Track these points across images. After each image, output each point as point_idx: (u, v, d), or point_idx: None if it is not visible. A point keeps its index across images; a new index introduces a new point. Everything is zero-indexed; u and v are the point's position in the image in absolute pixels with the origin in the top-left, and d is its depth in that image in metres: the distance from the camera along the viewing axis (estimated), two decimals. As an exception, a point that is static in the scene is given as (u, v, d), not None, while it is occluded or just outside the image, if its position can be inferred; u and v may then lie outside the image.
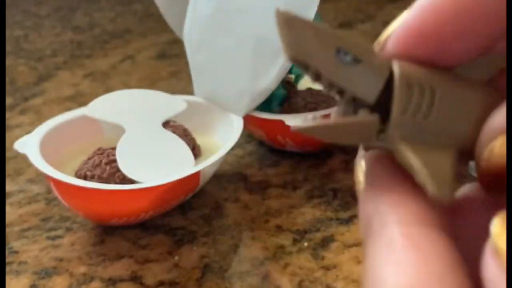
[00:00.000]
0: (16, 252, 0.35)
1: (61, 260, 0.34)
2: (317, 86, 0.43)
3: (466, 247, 0.13)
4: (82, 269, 0.34)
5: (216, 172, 0.38)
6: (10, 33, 0.69)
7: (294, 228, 0.36)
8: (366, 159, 0.15)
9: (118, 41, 0.65)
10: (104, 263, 0.34)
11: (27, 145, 0.36)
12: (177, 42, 0.55)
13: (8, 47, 0.65)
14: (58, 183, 0.34)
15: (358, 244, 0.34)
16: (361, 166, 0.15)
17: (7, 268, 0.34)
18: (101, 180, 0.34)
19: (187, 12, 0.40)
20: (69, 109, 0.48)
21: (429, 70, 0.14)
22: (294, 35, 0.13)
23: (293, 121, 0.38)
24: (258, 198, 0.39)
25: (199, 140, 0.39)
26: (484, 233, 0.12)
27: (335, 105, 0.41)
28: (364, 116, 0.14)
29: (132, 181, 0.34)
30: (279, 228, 0.36)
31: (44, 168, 0.34)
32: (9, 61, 0.62)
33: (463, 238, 0.14)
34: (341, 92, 0.14)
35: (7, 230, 0.37)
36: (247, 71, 0.39)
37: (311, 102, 0.41)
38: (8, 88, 0.56)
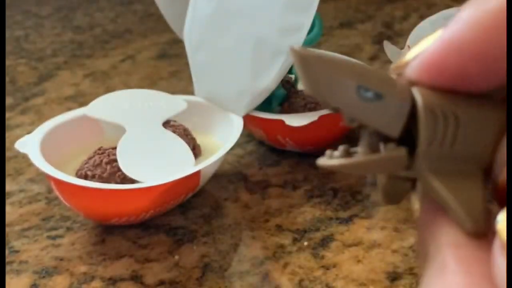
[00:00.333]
0: (17, 251, 0.35)
1: (61, 259, 0.34)
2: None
3: None
4: (83, 268, 0.34)
5: (216, 171, 0.39)
6: (11, 33, 0.69)
7: (294, 228, 0.36)
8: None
9: (118, 41, 0.65)
10: (104, 263, 0.34)
11: (28, 144, 0.36)
12: (177, 42, 0.55)
13: (8, 47, 0.65)
14: (59, 183, 0.34)
15: (357, 243, 0.34)
16: (416, 195, 0.15)
17: (8, 268, 0.34)
18: (102, 179, 0.34)
19: (187, 12, 0.40)
20: (69, 109, 0.48)
21: (448, 94, 0.14)
22: (312, 74, 0.13)
23: (294, 121, 0.39)
24: (258, 198, 0.39)
25: (199, 140, 0.39)
26: None
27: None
28: (391, 151, 0.14)
29: (132, 181, 0.34)
30: (279, 228, 0.36)
31: (44, 167, 0.34)
32: (9, 61, 0.62)
33: None
34: (363, 126, 0.14)
35: (8, 229, 0.37)
36: (247, 71, 0.39)
37: (311, 102, 0.41)
38: (8, 88, 0.56)
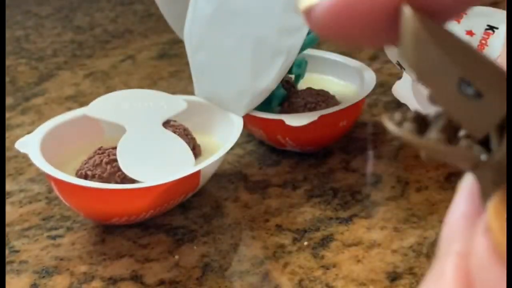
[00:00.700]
0: (17, 251, 0.35)
1: (61, 259, 0.35)
2: (317, 86, 0.43)
3: None
4: (83, 268, 0.34)
5: (216, 171, 0.39)
6: (11, 33, 0.69)
7: (294, 228, 0.36)
8: (462, 183, 0.14)
9: (118, 41, 0.65)
10: (104, 262, 0.34)
11: (28, 144, 0.36)
12: (178, 42, 0.55)
13: (9, 47, 0.65)
14: (59, 183, 0.34)
15: (357, 243, 0.34)
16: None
17: (8, 267, 0.34)
18: (102, 179, 0.34)
19: (187, 12, 0.40)
20: (69, 109, 0.48)
21: None
22: (420, 52, 0.12)
23: (294, 121, 0.39)
24: (258, 198, 0.39)
25: (199, 140, 0.39)
26: None
27: (334, 104, 0.41)
28: (465, 149, 0.13)
29: (132, 181, 0.34)
30: (279, 228, 0.36)
31: (44, 167, 0.34)
32: (10, 61, 0.62)
33: None
34: (448, 119, 0.13)
35: (8, 229, 0.37)
36: (247, 71, 0.39)
37: (311, 102, 0.41)
38: (9, 88, 0.56)
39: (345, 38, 0.12)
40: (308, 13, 0.12)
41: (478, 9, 0.41)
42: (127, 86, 0.54)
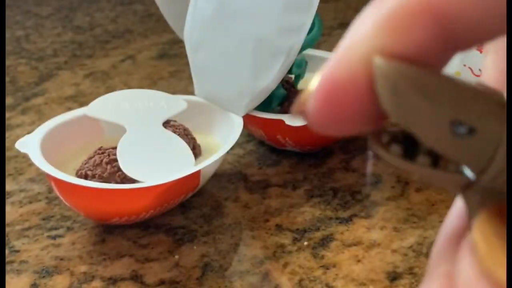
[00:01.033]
0: (17, 251, 0.35)
1: (61, 259, 0.35)
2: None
3: None
4: (83, 268, 0.34)
5: (216, 171, 0.39)
6: (11, 33, 0.69)
7: (294, 227, 0.36)
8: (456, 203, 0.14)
9: (118, 41, 0.65)
10: (104, 262, 0.34)
11: (28, 144, 0.36)
12: (178, 42, 0.55)
13: (9, 47, 0.65)
14: (59, 183, 0.34)
15: (357, 243, 0.34)
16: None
17: (8, 267, 0.34)
18: (102, 179, 0.34)
19: (187, 12, 0.40)
20: (70, 108, 0.48)
21: None
22: (400, 100, 0.11)
23: (294, 121, 0.39)
24: (258, 198, 0.39)
25: (199, 140, 0.39)
26: None
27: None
28: (451, 174, 0.12)
29: (132, 181, 0.34)
30: (279, 227, 0.36)
31: (45, 167, 0.34)
32: (10, 61, 0.62)
33: None
34: (438, 156, 0.12)
35: (8, 229, 0.37)
36: (247, 71, 0.39)
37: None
38: (9, 88, 0.56)
39: (346, 125, 0.12)
40: (303, 115, 0.13)
41: None
42: (127, 86, 0.54)
